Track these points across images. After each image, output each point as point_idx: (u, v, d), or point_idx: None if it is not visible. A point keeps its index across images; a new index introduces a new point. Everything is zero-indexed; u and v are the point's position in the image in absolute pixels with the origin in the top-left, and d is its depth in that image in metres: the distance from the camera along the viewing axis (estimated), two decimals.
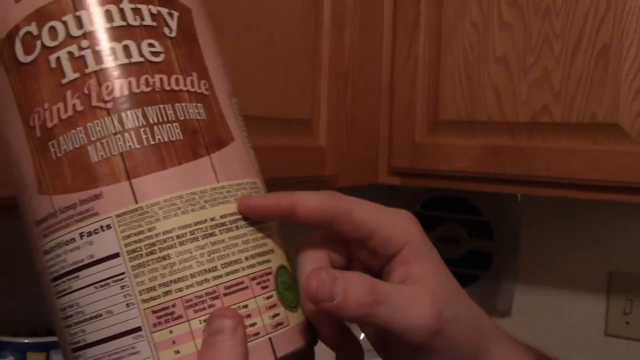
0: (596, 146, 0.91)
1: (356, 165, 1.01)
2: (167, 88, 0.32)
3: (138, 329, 0.30)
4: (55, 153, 0.31)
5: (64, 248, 0.31)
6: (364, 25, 1.00)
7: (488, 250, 1.36)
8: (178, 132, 0.32)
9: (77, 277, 0.30)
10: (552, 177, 0.94)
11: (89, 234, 0.30)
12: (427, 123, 1.05)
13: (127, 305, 0.30)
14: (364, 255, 0.37)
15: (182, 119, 0.32)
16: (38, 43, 0.31)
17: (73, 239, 0.30)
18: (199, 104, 0.33)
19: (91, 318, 0.30)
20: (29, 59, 0.31)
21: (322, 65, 0.90)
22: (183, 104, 0.32)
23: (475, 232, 1.37)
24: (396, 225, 0.35)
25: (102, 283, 0.30)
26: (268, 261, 0.33)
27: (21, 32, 0.31)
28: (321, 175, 0.90)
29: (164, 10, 0.33)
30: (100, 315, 0.30)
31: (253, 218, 0.33)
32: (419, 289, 0.34)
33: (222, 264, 0.31)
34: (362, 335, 0.40)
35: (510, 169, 0.97)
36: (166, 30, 0.33)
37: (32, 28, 0.31)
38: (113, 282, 0.30)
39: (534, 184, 0.97)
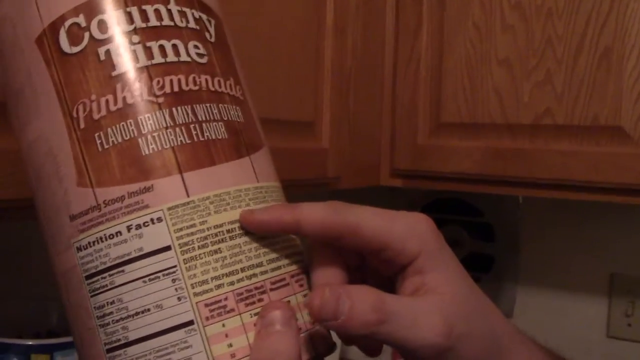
0: (598, 148, 0.91)
1: (358, 167, 1.01)
2: (212, 89, 0.33)
3: (190, 323, 0.29)
4: (102, 144, 0.30)
5: (107, 242, 0.30)
6: (367, 28, 1.00)
7: (489, 252, 1.36)
8: (223, 131, 0.32)
9: (122, 271, 0.30)
10: (554, 179, 0.94)
11: (138, 226, 0.30)
12: (429, 125, 1.05)
13: (179, 298, 0.29)
14: (376, 264, 0.35)
15: (225, 119, 0.33)
16: (86, 35, 0.31)
17: (119, 232, 0.30)
18: (237, 107, 0.34)
19: (137, 314, 0.29)
20: (75, 49, 0.31)
21: (324, 68, 0.90)
22: (225, 105, 0.33)
23: (477, 234, 1.37)
24: (410, 234, 0.34)
25: (152, 277, 0.29)
26: (302, 261, 0.34)
27: (67, 23, 0.31)
28: (323, 177, 0.90)
29: (204, 16, 0.34)
30: (148, 310, 0.29)
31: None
32: (430, 303, 0.33)
33: (267, 260, 0.32)
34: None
35: (512, 171, 0.97)
36: (207, 34, 0.34)
37: (80, 20, 0.31)
38: (164, 275, 0.29)
39: (535, 186, 0.97)
